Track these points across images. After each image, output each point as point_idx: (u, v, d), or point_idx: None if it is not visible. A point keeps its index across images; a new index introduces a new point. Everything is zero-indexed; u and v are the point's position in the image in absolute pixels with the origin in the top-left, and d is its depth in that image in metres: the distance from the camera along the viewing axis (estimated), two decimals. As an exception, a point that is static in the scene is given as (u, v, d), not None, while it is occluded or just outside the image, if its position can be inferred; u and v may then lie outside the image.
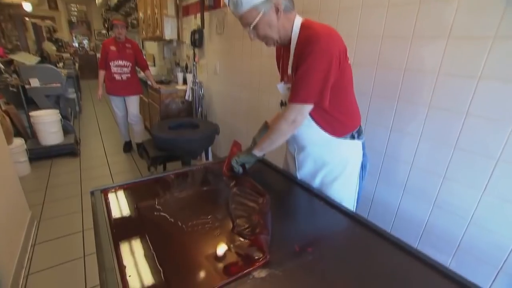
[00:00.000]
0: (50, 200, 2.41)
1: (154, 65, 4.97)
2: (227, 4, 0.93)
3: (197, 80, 3.02)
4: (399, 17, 1.18)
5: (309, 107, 0.94)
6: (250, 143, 1.23)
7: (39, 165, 3.03)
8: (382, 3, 1.22)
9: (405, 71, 1.20)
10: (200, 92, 3.04)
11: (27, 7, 7.32)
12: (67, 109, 3.94)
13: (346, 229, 0.87)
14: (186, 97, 3.16)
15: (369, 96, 1.37)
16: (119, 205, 0.94)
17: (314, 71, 0.88)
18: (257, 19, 0.90)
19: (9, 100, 3.14)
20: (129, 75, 3.04)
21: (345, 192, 1.10)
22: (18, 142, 2.69)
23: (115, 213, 0.89)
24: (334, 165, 1.08)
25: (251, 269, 0.68)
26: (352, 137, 1.07)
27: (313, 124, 1.02)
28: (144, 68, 3.20)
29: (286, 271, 0.69)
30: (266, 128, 1.25)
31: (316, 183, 1.12)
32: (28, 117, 3.05)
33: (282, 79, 1.09)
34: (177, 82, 3.47)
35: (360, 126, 1.10)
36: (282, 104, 1.11)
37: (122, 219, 0.86)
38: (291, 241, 0.80)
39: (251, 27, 0.93)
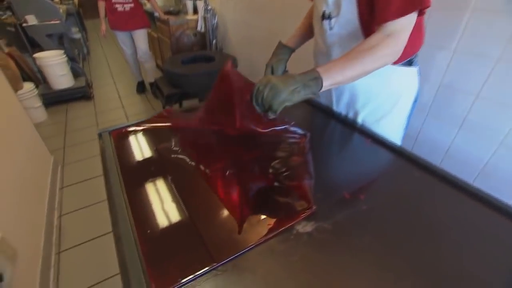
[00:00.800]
0: (71, 144, 2.40)
1: (159, -5, 4.43)
2: None
3: (209, 8, 2.63)
4: None
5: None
6: (265, 72, 0.96)
7: (55, 110, 2.98)
8: None
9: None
10: (213, 21, 2.68)
11: None
12: (73, 51, 3.71)
13: (403, 173, 0.72)
14: (198, 28, 2.81)
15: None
16: (132, 147, 0.81)
17: None
18: None
19: (11, 42, 2.94)
20: (132, 4, 2.67)
21: (393, 130, 0.90)
22: (29, 86, 2.58)
23: (127, 157, 0.77)
24: (382, 99, 0.86)
25: (293, 222, 0.56)
26: (409, 63, 0.83)
27: None
28: None
29: (337, 225, 0.56)
30: (286, 49, 0.97)
31: (357, 121, 0.93)
32: (34, 60, 2.88)
33: None
34: (186, 12, 3.08)
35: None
36: (325, 17, 0.81)
37: (135, 163, 0.75)
38: (339, 188, 0.66)
39: None
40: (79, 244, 1.50)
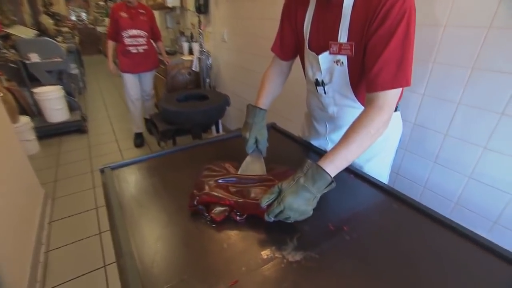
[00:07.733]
0: (62, 177, 2.40)
1: (157, 36, 4.74)
2: None
3: (204, 50, 2.84)
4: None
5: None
6: (247, 143, 0.89)
7: (48, 143, 3.00)
8: None
9: (445, 27, 1.05)
10: (208, 62, 2.88)
11: (20, -21, 7.06)
12: (70, 85, 3.83)
13: (383, 206, 0.79)
14: (193, 68, 2.99)
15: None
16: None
17: (409, 43, 0.68)
18: None
19: (11, 77, 3.04)
20: (146, 46, 2.65)
21: (380, 169, 0.99)
22: (24, 120, 2.63)
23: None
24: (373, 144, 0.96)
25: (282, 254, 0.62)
26: (394, 109, 0.94)
27: (358, 104, 0.87)
28: (158, 38, 2.84)
29: (323, 254, 0.62)
30: (262, 112, 0.91)
31: None
32: (32, 94, 2.97)
33: (321, 49, 0.81)
34: (182, 53, 3.30)
35: None
36: (319, 83, 0.88)
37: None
38: (324, 220, 0.72)
39: None
40: (65, 282, 1.46)
